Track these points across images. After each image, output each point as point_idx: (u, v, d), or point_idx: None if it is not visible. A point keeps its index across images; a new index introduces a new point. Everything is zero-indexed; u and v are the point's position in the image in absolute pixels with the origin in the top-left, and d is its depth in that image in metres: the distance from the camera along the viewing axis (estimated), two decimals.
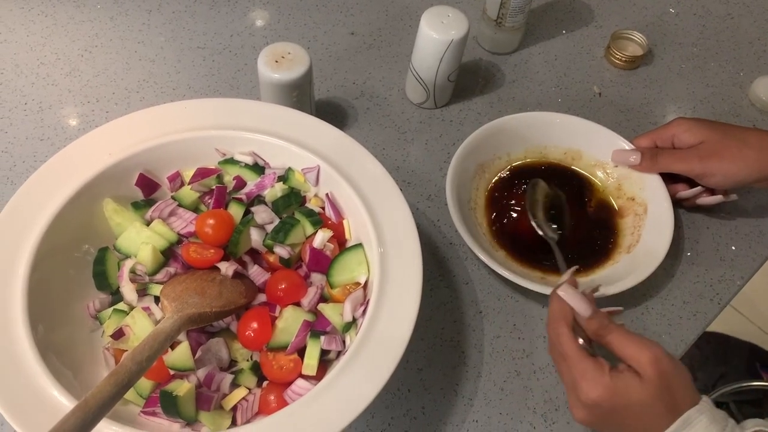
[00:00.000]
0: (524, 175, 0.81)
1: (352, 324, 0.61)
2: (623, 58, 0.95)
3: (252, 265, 0.66)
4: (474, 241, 0.70)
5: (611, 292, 0.68)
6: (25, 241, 0.59)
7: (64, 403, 0.52)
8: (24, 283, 0.57)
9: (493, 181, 0.81)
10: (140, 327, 0.60)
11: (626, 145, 0.79)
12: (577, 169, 0.83)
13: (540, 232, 0.73)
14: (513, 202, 0.79)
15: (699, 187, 0.76)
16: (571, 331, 0.57)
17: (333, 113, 0.88)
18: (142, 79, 0.90)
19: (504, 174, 0.81)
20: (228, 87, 0.90)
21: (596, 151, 0.81)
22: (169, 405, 0.55)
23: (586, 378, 0.54)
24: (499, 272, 0.69)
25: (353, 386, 0.54)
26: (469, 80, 0.93)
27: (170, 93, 0.89)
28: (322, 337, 0.60)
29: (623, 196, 0.79)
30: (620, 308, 0.65)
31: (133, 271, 0.63)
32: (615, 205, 0.80)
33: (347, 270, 0.63)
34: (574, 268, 0.64)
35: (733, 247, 0.80)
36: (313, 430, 0.52)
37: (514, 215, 0.78)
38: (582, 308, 0.57)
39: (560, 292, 0.59)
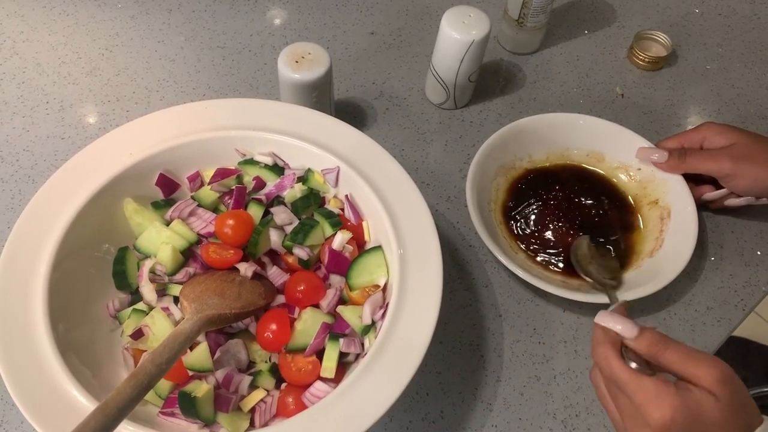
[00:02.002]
0: (546, 176, 0.80)
1: (371, 327, 0.60)
2: (646, 59, 0.94)
3: (271, 266, 0.66)
4: (494, 244, 0.69)
5: (634, 297, 0.67)
6: (47, 240, 0.59)
7: (84, 403, 0.52)
8: (45, 281, 0.57)
9: (514, 183, 0.80)
10: (159, 327, 0.60)
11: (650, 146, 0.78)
12: (599, 171, 0.81)
13: (599, 287, 0.69)
14: (534, 204, 0.78)
15: (725, 189, 0.75)
16: (620, 355, 0.52)
17: (352, 113, 0.88)
18: (161, 79, 0.90)
19: (525, 176, 0.80)
20: (247, 87, 0.90)
21: (619, 153, 0.80)
22: (188, 406, 0.55)
23: (653, 400, 0.48)
24: (520, 275, 0.68)
25: (373, 390, 0.54)
26: (489, 81, 0.92)
27: (190, 92, 0.89)
28: (341, 340, 0.59)
29: (647, 199, 0.78)
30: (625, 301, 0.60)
31: (152, 271, 0.63)
32: (638, 209, 0.78)
33: (366, 272, 0.63)
34: (623, 301, 0.59)
35: (759, 252, 0.78)
36: (338, 429, 0.52)
37: (534, 217, 0.77)
38: (626, 329, 0.52)
39: (597, 320, 0.54)
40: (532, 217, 0.77)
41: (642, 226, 0.77)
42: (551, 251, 0.74)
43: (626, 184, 0.80)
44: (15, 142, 0.82)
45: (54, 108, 0.86)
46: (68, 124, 0.85)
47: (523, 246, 0.75)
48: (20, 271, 0.58)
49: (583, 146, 0.81)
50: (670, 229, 0.74)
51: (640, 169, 0.79)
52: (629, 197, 0.79)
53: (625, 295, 0.66)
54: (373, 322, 0.60)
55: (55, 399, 0.52)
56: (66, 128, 0.84)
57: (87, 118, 0.85)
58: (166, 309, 0.61)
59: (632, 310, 0.61)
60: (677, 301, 0.74)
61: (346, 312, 0.61)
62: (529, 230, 0.76)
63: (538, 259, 0.74)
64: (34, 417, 0.51)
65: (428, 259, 0.60)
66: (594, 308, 0.72)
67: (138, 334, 0.60)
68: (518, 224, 0.76)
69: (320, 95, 0.77)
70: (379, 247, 0.64)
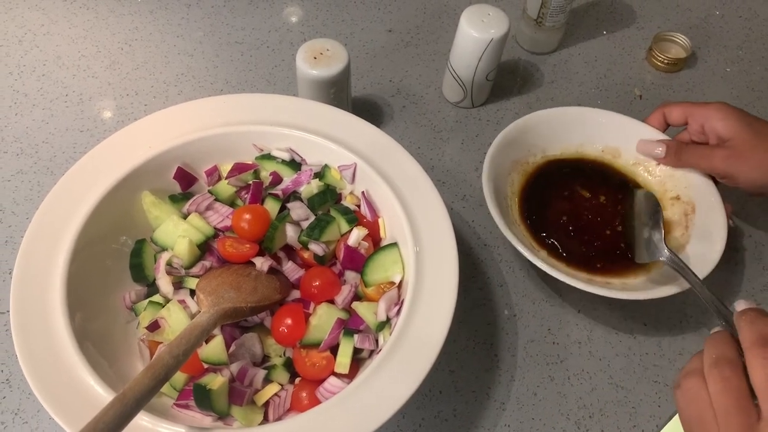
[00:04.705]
0: (560, 171, 0.78)
1: (385, 323, 0.60)
2: (665, 61, 0.93)
3: (286, 261, 0.66)
4: (515, 238, 0.67)
5: (658, 296, 0.64)
6: (66, 230, 0.60)
7: (101, 393, 0.52)
8: (64, 272, 0.57)
9: (529, 178, 0.78)
10: (175, 320, 0.60)
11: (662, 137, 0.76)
12: (616, 166, 0.79)
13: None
14: (552, 199, 0.76)
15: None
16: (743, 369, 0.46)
17: (369, 111, 0.88)
18: (180, 73, 0.90)
19: (540, 170, 0.78)
20: (265, 83, 0.90)
21: (636, 148, 0.77)
22: (203, 398, 0.55)
23: None
24: (546, 270, 0.65)
25: (387, 387, 0.54)
26: (507, 80, 0.92)
27: (208, 87, 0.89)
28: (356, 336, 0.59)
29: (668, 195, 0.76)
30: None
31: (169, 264, 0.63)
32: (661, 204, 0.74)
33: (382, 269, 0.63)
34: (748, 304, 0.51)
35: None
36: (345, 430, 0.52)
37: (554, 212, 0.75)
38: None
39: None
40: (551, 211, 0.75)
41: (666, 222, 0.73)
42: (574, 247, 0.72)
43: (646, 180, 0.78)
44: (34, 134, 0.83)
45: (73, 101, 0.87)
46: (87, 117, 0.85)
47: (541, 242, 0.73)
48: (39, 261, 0.58)
49: (598, 142, 0.79)
50: (696, 225, 0.71)
51: (658, 164, 0.77)
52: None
53: (650, 293, 0.64)
54: (388, 319, 0.60)
55: (72, 388, 0.52)
56: (85, 121, 0.85)
57: (106, 112, 0.86)
58: (182, 302, 0.61)
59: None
60: (696, 304, 0.73)
61: (361, 308, 0.61)
62: (547, 226, 0.74)
63: (559, 255, 0.72)
64: (51, 405, 0.51)
65: (444, 257, 0.60)
66: (611, 307, 0.72)
67: (154, 326, 0.60)
68: (536, 220, 0.74)
69: (338, 92, 0.77)
70: (394, 244, 0.64)
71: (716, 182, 0.73)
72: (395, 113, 0.88)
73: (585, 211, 0.75)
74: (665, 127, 0.76)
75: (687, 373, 0.48)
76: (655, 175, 0.77)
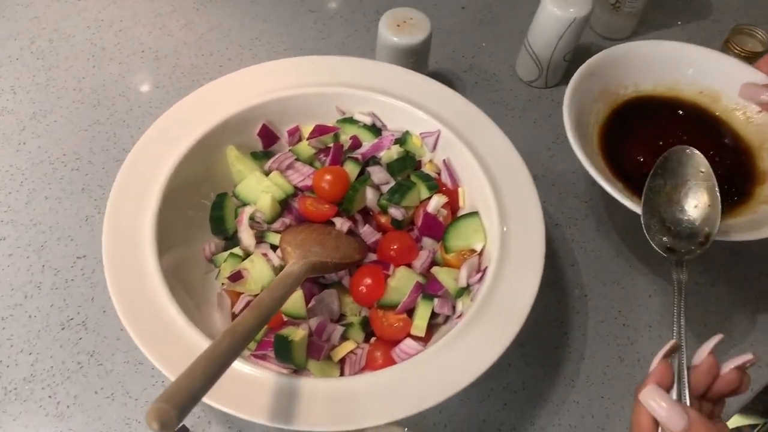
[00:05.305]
0: (649, 108, 0.73)
1: (465, 290, 0.60)
2: (742, 54, 0.92)
3: (363, 224, 0.66)
4: (594, 169, 0.62)
5: (745, 239, 0.60)
6: (156, 177, 0.60)
7: (190, 333, 0.53)
8: (154, 216, 0.58)
9: (616, 110, 0.73)
10: (258, 271, 0.60)
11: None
12: (713, 111, 0.74)
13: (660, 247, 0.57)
14: (632, 135, 0.71)
15: None
16: None
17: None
18: (254, 37, 0.91)
19: (626, 104, 0.74)
20: (338, 52, 0.90)
21: (738, 92, 0.72)
22: (284, 349, 0.56)
23: None
24: (626, 204, 0.61)
25: (469, 352, 0.54)
26: (579, 63, 0.91)
27: (281, 53, 0.89)
28: (436, 300, 0.59)
29: (766, 146, 0.70)
30: (750, 356, 0.47)
31: (252, 218, 0.64)
32: (757, 153, 0.70)
33: (464, 236, 0.63)
34: (671, 344, 0.47)
35: None
36: (430, 389, 0.52)
37: (632, 150, 0.70)
38: (673, 421, 0.42)
39: (642, 396, 0.44)
40: (632, 147, 0.70)
41: (759, 172, 0.69)
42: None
43: (743, 126, 0.72)
44: (111, 87, 0.84)
45: (149, 57, 0.88)
46: (162, 74, 0.86)
47: (620, 175, 0.68)
48: (129, 205, 0.59)
49: (697, 81, 0.74)
50: None
51: (761, 111, 0.71)
52: (747, 140, 0.72)
53: (737, 237, 0.59)
54: (468, 286, 0.60)
55: (162, 326, 0.53)
56: (160, 78, 0.86)
57: (180, 70, 0.87)
58: (264, 255, 0.62)
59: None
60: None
61: (442, 273, 0.61)
62: (625, 161, 0.69)
63: (638, 193, 0.63)
64: (141, 340, 0.52)
65: (530, 228, 0.60)
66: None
67: (236, 277, 0.61)
68: (616, 153, 0.69)
69: (417, 61, 0.77)
70: (476, 213, 0.63)
71: None
72: (467, 89, 0.87)
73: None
74: None
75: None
76: (755, 123, 0.72)
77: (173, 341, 0.52)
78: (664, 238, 0.57)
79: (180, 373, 0.38)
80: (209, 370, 0.39)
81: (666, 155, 0.60)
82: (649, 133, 0.72)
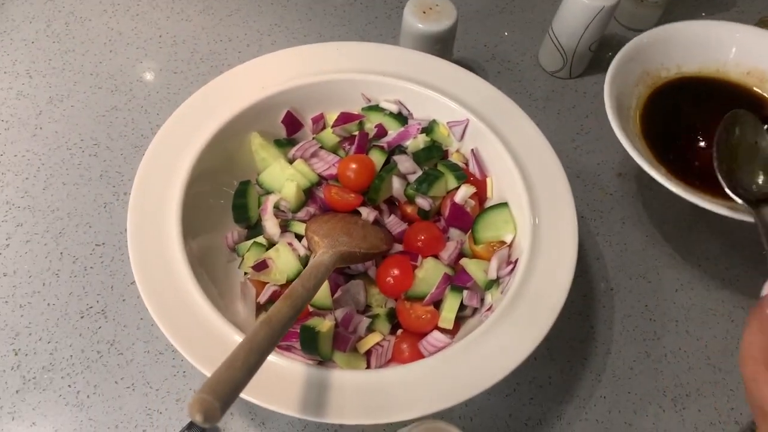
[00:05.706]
0: (693, 90, 0.72)
1: (494, 282, 0.59)
2: None
3: (388, 214, 0.65)
4: (636, 152, 0.61)
5: None
6: (180, 162, 0.59)
7: (215, 320, 0.52)
8: (179, 202, 0.57)
9: (657, 91, 0.72)
10: (284, 261, 0.59)
11: None
12: (760, 92, 0.72)
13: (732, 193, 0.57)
14: (675, 119, 0.70)
15: None
16: None
17: None
18: (273, 23, 0.89)
19: (669, 87, 0.72)
20: (359, 39, 0.88)
21: None
22: (310, 340, 0.55)
23: None
24: (669, 187, 0.59)
25: (502, 346, 0.53)
26: (601, 54, 0.90)
27: (301, 39, 0.88)
28: (465, 292, 0.58)
29: None
30: None
31: (276, 207, 0.62)
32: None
33: (493, 227, 0.62)
34: None
35: None
36: (462, 383, 0.51)
37: (674, 134, 0.69)
38: None
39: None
40: (674, 132, 0.69)
41: None
42: (694, 171, 0.65)
43: None
44: (128, 72, 0.83)
45: (167, 42, 0.86)
46: (180, 60, 0.85)
47: (663, 160, 0.66)
48: (154, 190, 0.58)
49: (743, 62, 0.72)
50: None
51: None
52: None
53: None
54: (498, 278, 0.59)
55: (188, 314, 0.52)
56: (179, 63, 0.84)
57: (198, 55, 0.85)
58: (289, 244, 0.61)
59: None
60: None
61: (471, 265, 0.60)
62: (667, 145, 0.68)
63: (682, 176, 0.64)
64: (166, 326, 0.51)
65: (562, 217, 0.59)
66: (708, 288, 0.70)
67: (261, 266, 0.60)
68: (658, 137, 0.68)
69: (443, 48, 0.76)
70: (505, 204, 0.62)
71: None
72: (490, 78, 0.86)
73: (708, 139, 0.68)
74: None
75: None
76: None
77: (199, 329, 0.51)
78: (748, 183, 0.58)
79: (219, 365, 0.37)
80: (249, 361, 0.38)
81: (732, 114, 0.61)
82: (694, 116, 0.70)
